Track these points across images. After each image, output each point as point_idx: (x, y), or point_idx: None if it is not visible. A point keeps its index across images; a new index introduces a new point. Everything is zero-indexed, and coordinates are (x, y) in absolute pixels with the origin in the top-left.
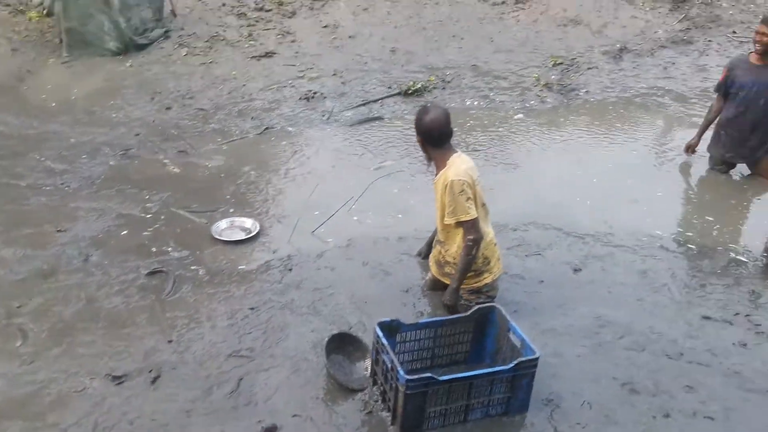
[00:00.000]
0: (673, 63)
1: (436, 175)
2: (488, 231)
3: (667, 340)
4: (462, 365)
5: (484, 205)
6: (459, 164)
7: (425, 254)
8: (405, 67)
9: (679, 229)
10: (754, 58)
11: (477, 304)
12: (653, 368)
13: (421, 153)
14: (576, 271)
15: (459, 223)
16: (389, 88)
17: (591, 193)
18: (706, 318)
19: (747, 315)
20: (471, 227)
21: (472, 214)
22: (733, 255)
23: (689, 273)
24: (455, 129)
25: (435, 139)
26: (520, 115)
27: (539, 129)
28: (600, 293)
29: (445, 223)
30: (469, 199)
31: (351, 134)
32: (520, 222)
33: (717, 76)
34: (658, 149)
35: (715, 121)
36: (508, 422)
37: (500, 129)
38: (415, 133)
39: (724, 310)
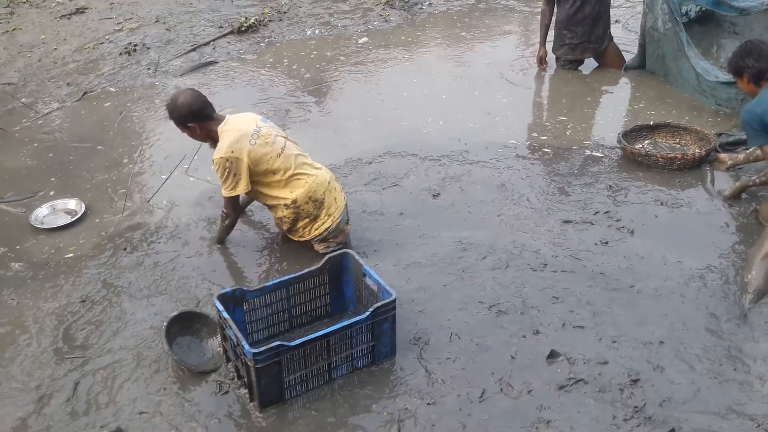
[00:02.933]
0: None
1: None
2: (314, 173)
3: (530, 252)
4: (325, 319)
5: (281, 154)
6: (225, 137)
7: None
8: (236, 2)
9: (534, 135)
10: None
11: (329, 252)
12: (519, 284)
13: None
14: (435, 196)
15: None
16: (220, 27)
17: (443, 112)
18: (567, 222)
19: (606, 212)
20: (228, 203)
21: (235, 191)
22: (588, 152)
23: (547, 178)
24: (297, 65)
25: (201, 114)
26: (365, 39)
27: (386, 51)
28: (461, 215)
29: (226, 196)
30: (234, 174)
31: (182, 84)
32: (374, 154)
33: None
34: (507, 56)
35: (553, 22)
36: (376, 371)
37: (346, 56)
38: (179, 127)
39: (584, 211)
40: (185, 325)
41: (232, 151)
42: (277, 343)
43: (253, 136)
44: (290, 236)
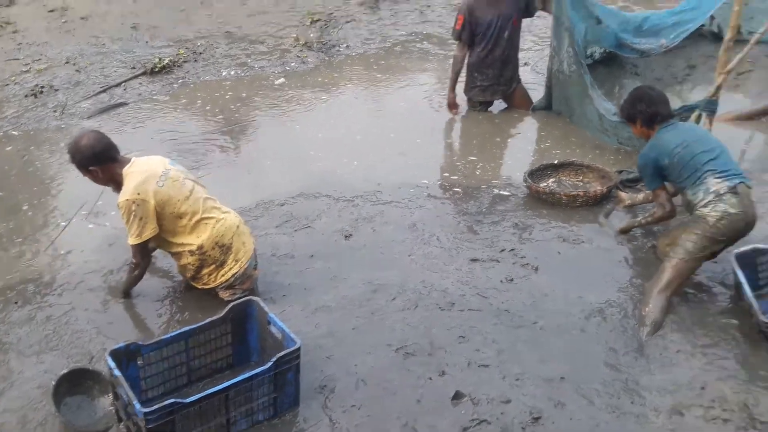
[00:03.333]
0: (429, 6)
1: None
2: (222, 217)
3: (438, 292)
4: (227, 372)
5: (189, 197)
6: (130, 180)
7: None
8: (150, 43)
9: (445, 175)
10: None
11: (234, 300)
12: (427, 325)
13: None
14: (347, 237)
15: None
16: (133, 68)
17: (358, 153)
18: (474, 260)
19: (512, 249)
20: (136, 250)
21: (141, 237)
22: (496, 191)
23: (456, 218)
24: (211, 106)
25: (104, 157)
26: (282, 80)
27: (303, 92)
28: (372, 256)
29: (129, 244)
30: (140, 218)
31: (89, 127)
32: (287, 195)
33: None
34: (422, 97)
35: (468, 63)
36: (278, 424)
37: (262, 97)
38: (80, 170)
39: (491, 249)
40: (76, 383)
41: (138, 193)
42: (171, 400)
43: (161, 177)
44: (194, 284)
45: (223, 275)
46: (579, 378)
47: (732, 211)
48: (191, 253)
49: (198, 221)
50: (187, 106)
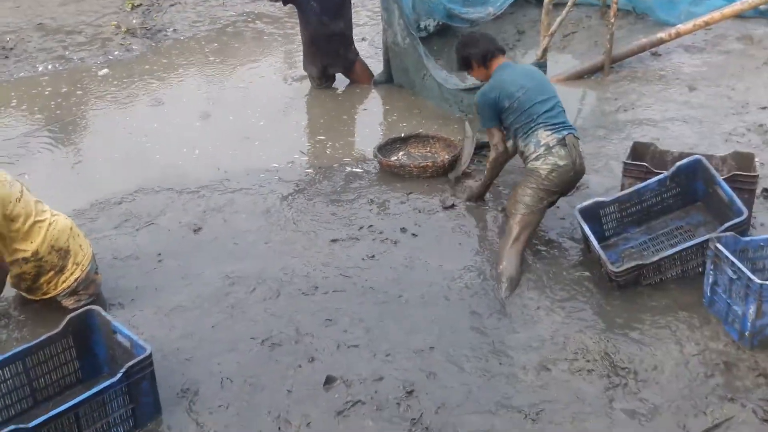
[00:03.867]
0: None
1: None
2: (53, 219)
3: (300, 277)
4: (78, 387)
5: (20, 199)
6: None
7: None
8: None
9: (295, 156)
10: None
11: (77, 308)
12: (292, 312)
13: None
14: (196, 231)
15: None
16: None
17: (198, 141)
18: (334, 241)
19: (370, 226)
20: None
21: None
22: (349, 169)
23: (312, 199)
24: (29, 104)
25: None
26: (106, 70)
27: (130, 81)
28: (226, 248)
29: None
30: None
31: None
32: (125, 193)
33: None
34: (259, 79)
35: (304, 41)
36: None
37: (85, 90)
38: None
39: (349, 228)
40: None
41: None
42: (11, 427)
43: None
44: (29, 296)
45: (64, 281)
46: (447, 346)
47: (561, 163)
48: (25, 260)
49: (32, 224)
50: (3, 106)
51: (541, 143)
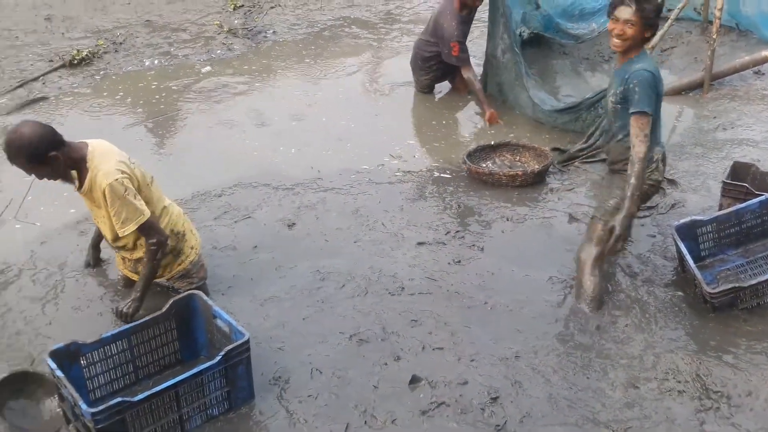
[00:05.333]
0: None
1: (80, 183)
2: (170, 204)
3: (387, 277)
4: (177, 367)
5: (152, 182)
6: (102, 161)
7: (95, 261)
8: (67, 34)
9: (385, 159)
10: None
11: (188, 290)
12: (378, 310)
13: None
14: (290, 226)
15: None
16: (51, 61)
17: (294, 140)
18: (421, 244)
19: (457, 231)
20: (149, 228)
21: (146, 212)
22: (437, 174)
23: (399, 202)
24: (136, 97)
25: (55, 141)
26: (208, 68)
27: (231, 79)
28: (317, 244)
29: (123, 235)
30: (135, 195)
31: (9, 124)
32: (224, 186)
33: None
34: (354, 82)
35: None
36: (234, 418)
37: (189, 86)
38: (30, 168)
39: (436, 232)
40: (18, 387)
41: (122, 171)
42: (118, 399)
43: (129, 158)
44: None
45: (180, 264)
46: (533, 356)
47: (659, 179)
48: None
49: (162, 209)
50: (112, 98)
51: (654, 159)
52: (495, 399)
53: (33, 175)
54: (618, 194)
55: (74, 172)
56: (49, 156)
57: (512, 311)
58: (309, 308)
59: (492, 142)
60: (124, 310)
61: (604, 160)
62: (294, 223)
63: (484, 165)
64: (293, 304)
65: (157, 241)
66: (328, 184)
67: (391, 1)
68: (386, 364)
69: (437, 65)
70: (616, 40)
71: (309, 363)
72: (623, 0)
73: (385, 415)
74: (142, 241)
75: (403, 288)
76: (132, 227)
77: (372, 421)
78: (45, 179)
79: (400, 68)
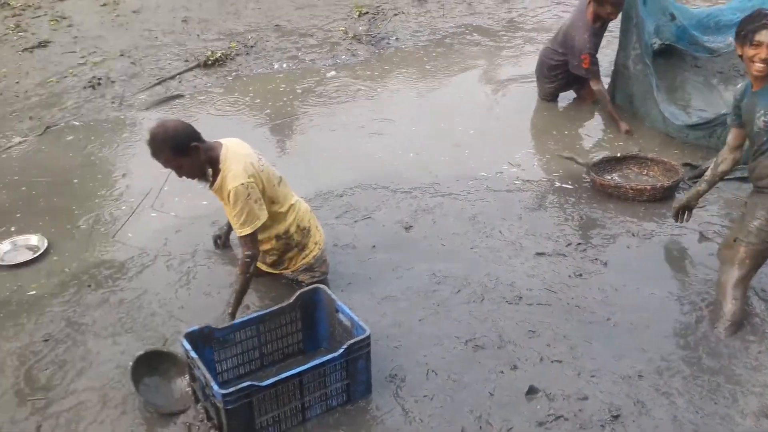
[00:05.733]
0: None
1: (214, 179)
2: (297, 200)
3: (505, 285)
4: (299, 357)
5: (279, 182)
6: (234, 162)
7: (225, 240)
8: (202, 36)
9: (504, 167)
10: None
11: (311, 284)
12: (495, 318)
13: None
14: (407, 228)
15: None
16: (186, 61)
17: (413, 145)
18: (540, 254)
19: (579, 244)
20: (252, 239)
21: (263, 218)
22: (558, 184)
23: (518, 211)
24: (264, 98)
25: (196, 135)
26: (333, 72)
27: (354, 84)
28: (434, 248)
29: (240, 236)
30: (256, 201)
31: (148, 118)
32: (345, 186)
33: (519, 5)
34: (473, 89)
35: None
36: (351, 411)
37: (314, 89)
38: (172, 159)
39: (557, 243)
40: (152, 365)
41: (249, 176)
42: (248, 383)
43: (258, 159)
44: (269, 270)
45: (304, 258)
46: (657, 376)
47: None
48: (278, 238)
49: (288, 207)
50: (242, 99)
51: None
52: (616, 417)
53: (173, 171)
54: (763, 215)
55: (210, 170)
56: (191, 147)
57: (636, 329)
58: (425, 310)
59: (618, 154)
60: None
61: (738, 178)
62: (411, 226)
63: (609, 177)
64: (409, 304)
65: (252, 254)
66: (445, 189)
67: (513, 9)
68: (502, 372)
69: (563, 74)
70: (760, 65)
71: (425, 364)
72: (765, 24)
73: (501, 423)
74: (270, 233)
75: (520, 297)
76: (248, 230)
77: (487, 427)
78: (183, 177)
79: (521, 76)
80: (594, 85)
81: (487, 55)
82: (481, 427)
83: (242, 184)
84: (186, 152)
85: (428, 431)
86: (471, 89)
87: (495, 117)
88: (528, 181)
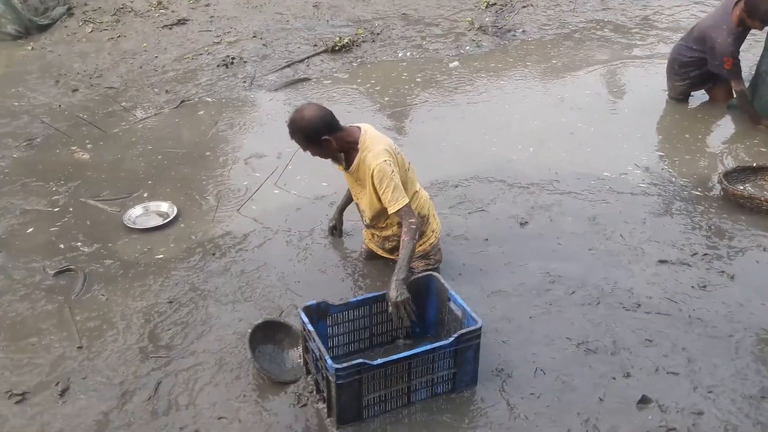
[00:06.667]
0: None
1: (349, 162)
2: (419, 188)
3: (622, 291)
4: (407, 341)
5: (408, 168)
6: (373, 143)
7: (339, 227)
8: (331, 22)
9: (629, 168)
10: None
11: (424, 270)
12: (610, 323)
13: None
14: (523, 224)
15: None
16: (315, 46)
17: (533, 140)
18: (663, 262)
19: (705, 254)
20: (409, 212)
21: (406, 198)
22: (687, 191)
23: (642, 215)
24: (387, 85)
25: (331, 126)
26: (456, 63)
27: (477, 75)
28: (549, 246)
29: (392, 212)
30: (398, 178)
31: (276, 99)
32: (461, 177)
33: (655, 3)
34: (600, 86)
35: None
36: (456, 399)
37: (437, 79)
38: (305, 145)
39: (681, 252)
40: (268, 334)
41: (390, 155)
42: (359, 360)
43: (392, 144)
44: (387, 255)
45: (421, 245)
46: None
47: None
48: (399, 224)
49: (413, 193)
50: (365, 85)
51: None
52: None
53: (307, 152)
54: None
55: (342, 154)
56: (323, 140)
57: (762, 349)
58: (536, 308)
59: (754, 164)
60: (399, 300)
61: None
62: (527, 222)
63: (742, 187)
64: (520, 301)
65: (416, 221)
66: (564, 187)
67: (648, 7)
68: (614, 378)
69: (695, 72)
70: None
71: (533, 362)
72: None
73: (609, 429)
74: (393, 220)
75: (639, 305)
76: (402, 202)
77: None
78: (317, 157)
79: (652, 75)
80: (736, 86)
81: (617, 52)
82: (587, 431)
83: (384, 160)
84: (317, 143)
85: (533, 429)
86: (597, 86)
87: (621, 116)
88: (654, 184)
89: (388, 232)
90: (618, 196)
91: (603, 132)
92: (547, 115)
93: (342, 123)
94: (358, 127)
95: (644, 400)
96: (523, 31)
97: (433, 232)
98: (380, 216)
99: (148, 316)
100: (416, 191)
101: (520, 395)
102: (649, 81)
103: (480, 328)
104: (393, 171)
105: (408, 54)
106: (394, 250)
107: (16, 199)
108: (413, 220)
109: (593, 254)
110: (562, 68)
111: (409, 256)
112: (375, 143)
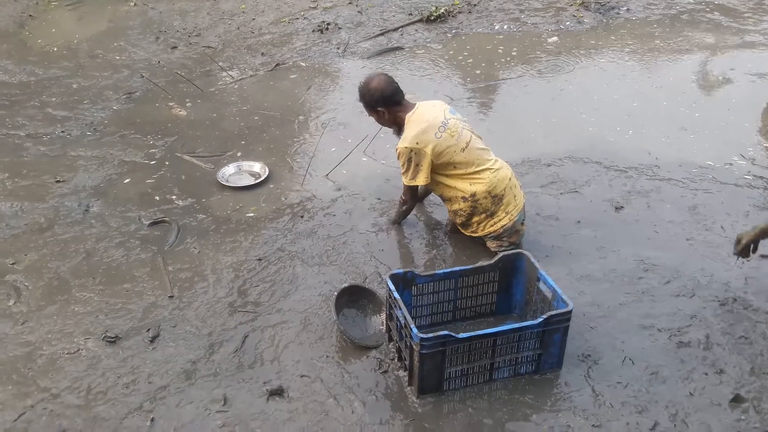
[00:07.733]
0: None
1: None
2: (494, 167)
3: (719, 284)
4: (489, 318)
5: (465, 148)
6: (411, 127)
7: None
8: None
9: (734, 158)
10: None
11: (500, 251)
12: (704, 316)
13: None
14: (618, 209)
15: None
16: (410, 15)
17: (633, 122)
18: (764, 257)
19: None
20: (407, 191)
21: (414, 181)
22: None
23: (746, 207)
24: (481, 58)
25: (391, 101)
26: (555, 38)
27: (576, 52)
28: (645, 233)
29: (403, 183)
30: (416, 165)
31: (368, 67)
32: (554, 156)
33: None
34: (704, 70)
35: None
36: (539, 381)
37: (534, 54)
38: (366, 111)
39: None
40: (353, 299)
41: (417, 143)
42: (445, 332)
43: (440, 128)
44: (461, 230)
45: (492, 225)
46: None
47: None
48: (464, 199)
49: (473, 172)
50: (459, 57)
51: None
52: None
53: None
54: None
55: (396, 128)
56: (377, 110)
57: None
58: (627, 295)
59: None
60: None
61: None
62: (622, 207)
63: None
64: (611, 287)
65: (404, 200)
66: (665, 173)
67: None
68: (706, 374)
69: None
70: None
71: (621, 350)
72: None
73: (699, 425)
74: (448, 194)
75: (735, 299)
76: (405, 183)
77: (682, 426)
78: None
79: (764, 63)
80: None
81: (726, 36)
82: (675, 425)
83: (406, 147)
84: (374, 111)
85: (617, 417)
86: (702, 71)
87: (727, 104)
88: (761, 177)
89: (456, 206)
90: (721, 186)
91: (707, 119)
92: (648, 97)
93: (420, 96)
94: (413, 105)
95: (738, 399)
96: (628, 9)
97: (506, 213)
98: (436, 189)
99: (237, 272)
100: (486, 168)
101: (606, 383)
102: (760, 68)
103: (570, 311)
104: (410, 158)
105: (505, 27)
106: (465, 225)
107: (114, 150)
108: (404, 198)
109: (691, 245)
110: (667, 50)
111: (396, 218)
112: (412, 127)
